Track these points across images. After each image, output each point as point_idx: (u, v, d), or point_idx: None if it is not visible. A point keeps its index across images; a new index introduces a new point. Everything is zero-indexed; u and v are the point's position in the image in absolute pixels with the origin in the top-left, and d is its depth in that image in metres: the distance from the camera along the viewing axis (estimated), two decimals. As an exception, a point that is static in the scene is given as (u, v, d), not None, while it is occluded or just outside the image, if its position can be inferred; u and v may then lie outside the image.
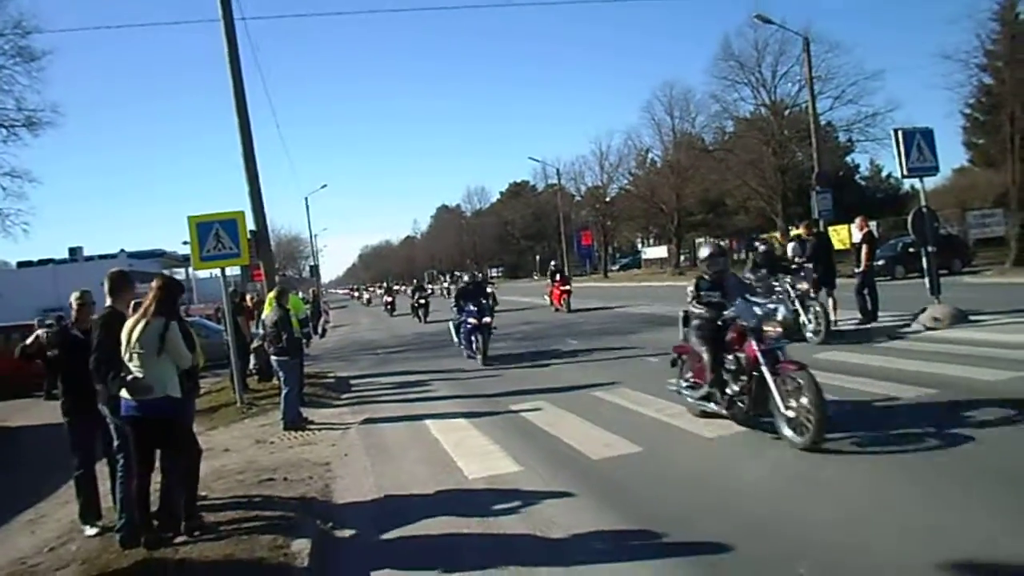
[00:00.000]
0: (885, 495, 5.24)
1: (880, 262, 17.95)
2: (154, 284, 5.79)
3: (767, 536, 4.70)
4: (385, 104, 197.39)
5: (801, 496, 5.42)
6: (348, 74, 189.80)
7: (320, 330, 26.69)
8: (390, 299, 42.38)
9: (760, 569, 4.27)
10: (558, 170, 67.67)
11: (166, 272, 6.48)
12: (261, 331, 12.45)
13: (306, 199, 65.15)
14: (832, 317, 13.82)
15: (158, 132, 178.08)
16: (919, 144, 13.70)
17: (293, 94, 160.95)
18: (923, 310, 13.28)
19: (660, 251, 65.75)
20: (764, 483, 5.79)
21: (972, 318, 12.80)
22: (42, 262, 62.20)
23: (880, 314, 13.96)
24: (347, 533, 5.78)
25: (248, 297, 16.62)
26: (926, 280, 13.77)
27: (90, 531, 6.27)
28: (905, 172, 14.00)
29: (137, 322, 5.60)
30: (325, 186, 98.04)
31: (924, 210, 13.81)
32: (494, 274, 58.45)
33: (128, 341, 5.55)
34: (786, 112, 45.50)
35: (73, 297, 6.71)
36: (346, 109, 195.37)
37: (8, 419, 14.12)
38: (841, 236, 29.44)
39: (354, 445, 8.90)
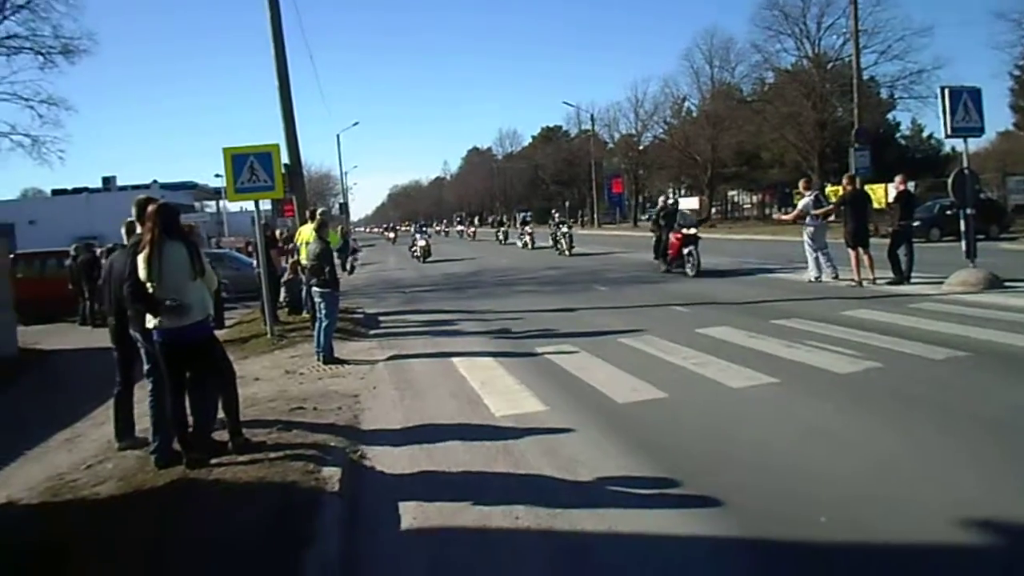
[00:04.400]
0: (907, 452, 5.26)
1: (916, 223, 17.66)
2: (149, 210, 5.73)
3: (788, 488, 4.74)
4: (420, 43, 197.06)
5: (823, 449, 5.43)
6: (383, 11, 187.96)
7: (349, 267, 26.84)
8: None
9: (781, 519, 4.29)
10: (592, 116, 67.04)
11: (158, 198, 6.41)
12: (296, 259, 12.61)
13: (338, 136, 65.23)
14: (869, 275, 13.77)
15: (193, 65, 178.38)
16: (966, 103, 13.37)
17: (329, 29, 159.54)
18: (956, 273, 13.13)
19: (692, 202, 64.96)
20: (787, 435, 5.80)
21: (1007, 284, 12.60)
22: (76, 190, 62.90)
23: (913, 275, 13.83)
24: (375, 463, 5.89)
25: (278, 232, 16.73)
26: (962, 243, 13.57)
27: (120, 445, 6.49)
28: (949, 131, 13.68)
29: (152, 251, 5.53)
30: (357, 123, 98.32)
31: (966, 172, 13.55)
32: (519, 217, 55.68)
33: (151, 271, 5.52)
34: (829, 65, 44.53)
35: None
36: (381, 47, 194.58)
37: (41, 342, 14.42)
38: (878, 195, 29.00)
39: (382, 379, 9.01)
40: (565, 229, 30.10)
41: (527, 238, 37.11)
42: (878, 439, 5.56)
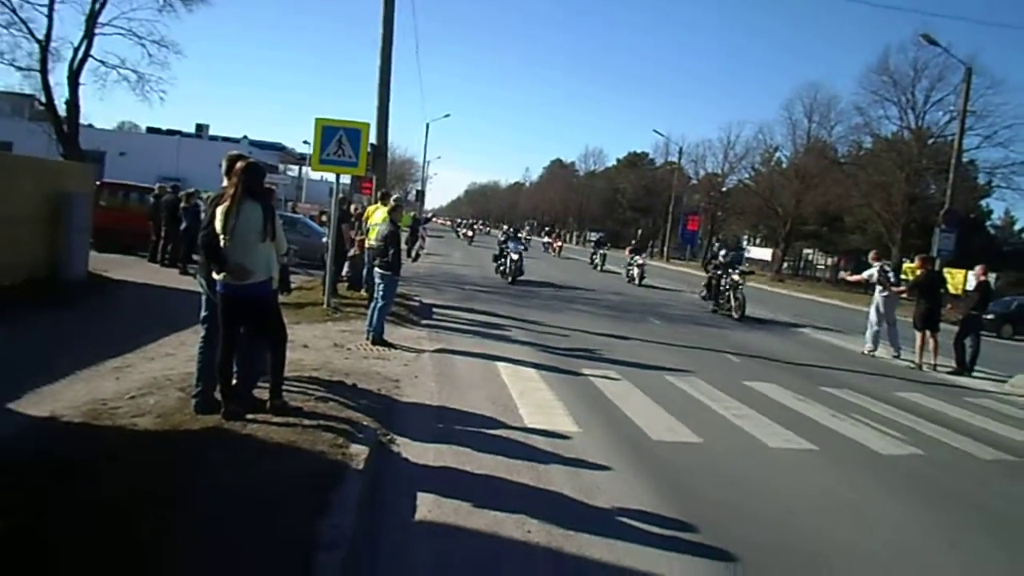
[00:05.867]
0: (934, 546, 5.16)
1: (990, 316, 17.16)
2: (237, 167, 5.85)
3: (806, 558, 4.69)
4: (523, 49, 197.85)
5: (848, 526, 5.34)
6: (494, 15, 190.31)
7: (414, 254, 27.10)
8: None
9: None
10: (680, 149, 66.63)
11: (247, 156, 6.52)
12: (363, 237, 12.79)
13: (427, 124, 65.46)
14: (931, 360, 13.46)
15: (299, 29, 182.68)
16: (1064, 204, 13.02)
17: (437, 19, 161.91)
18: (1022, 375, 12.77)
19: (764, 253, 64.29)
20: (814, 505, 5.72)
21: (1074, 395, 12.15)
22: (170, 132, 64.63)
23: (976, 369, 13.47)
24: (402, 450, 5.98)
25: (353, 206, 17.03)
26: (1034, 345, 13.19)
27: None
28: (1041, 229, 13.32)
29: (232, 207, 5.69)
30: (448, 116, 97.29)
31: (1050, 273, 13.19)
32: (593, 237, 52.07)
33: (227, 225, 5.68)
34: (929, 140, 43.64)
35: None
36: (486, 46, 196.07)
37: (111, 271, 14.88)
38: (956, 279, 28.27)
39: (425, 369, 9.13)
40: (737, 278, 19.29)
41: (636, 269, 28.71)
42: (907, 527, 5.45)
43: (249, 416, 5.84)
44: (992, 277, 14.77)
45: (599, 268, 36.40)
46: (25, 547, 3.53)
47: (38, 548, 3.55)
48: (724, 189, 64.97)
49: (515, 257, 23.85)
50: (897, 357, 14.01)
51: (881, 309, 14.49)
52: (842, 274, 26.44)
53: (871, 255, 16.08)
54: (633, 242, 31.83)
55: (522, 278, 24.05)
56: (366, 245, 13.18)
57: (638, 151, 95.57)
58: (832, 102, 52.49)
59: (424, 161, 75.48)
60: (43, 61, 27.05)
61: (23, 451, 4.89)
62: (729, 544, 4.66)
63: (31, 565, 3.43)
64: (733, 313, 18.72)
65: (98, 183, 19.32)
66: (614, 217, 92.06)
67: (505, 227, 26.87)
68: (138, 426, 5.56)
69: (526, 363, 10.07)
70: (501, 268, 25.12)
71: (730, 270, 19.86)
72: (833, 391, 10.31)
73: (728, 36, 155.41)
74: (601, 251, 38.23)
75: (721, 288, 20.11)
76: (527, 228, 66.43)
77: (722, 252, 21.61)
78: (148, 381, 7.03)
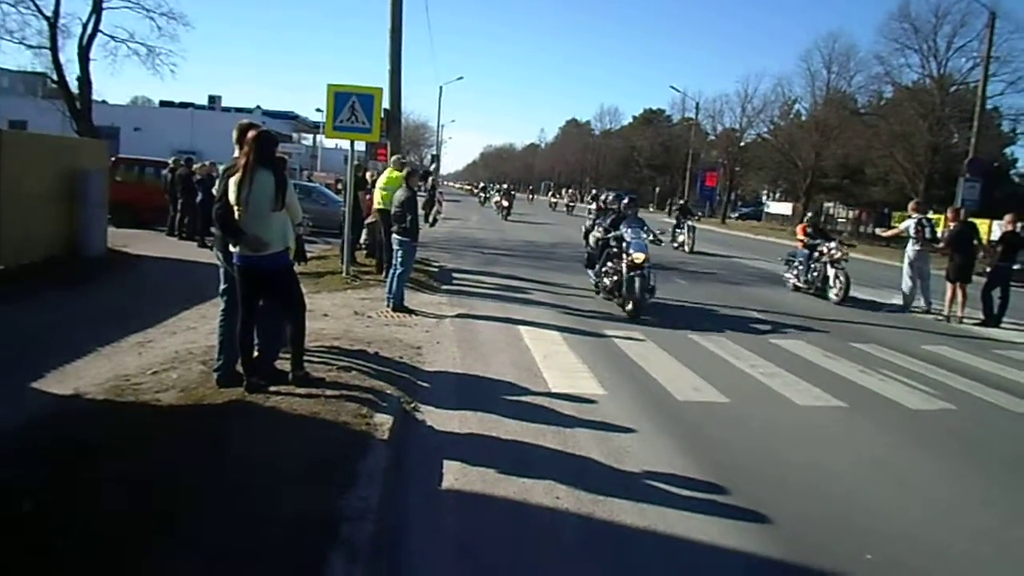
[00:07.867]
0: (968, 502, 5.06)
1: (1017, 266, 16.87)
2: (248, 136, 5.73)
3: (839, 517, 4.60)
4: (534, 9, 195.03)
5: (881, 484, 5.24)
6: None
7: (431, 219, 26.96)
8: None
9: (826, 548, 4.16)
10: (697, 104, 65.57)
11: (258, 124, 6.40)
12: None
13: (440, 88, 65.47)
14: (958, 313, 13.21)
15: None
16: (1094, 149, 12.69)
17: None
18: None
19: (784, 207, 63.54)
20: (846, 463, 5.61)
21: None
22: (182, 104, 64.58)
23: (1005, 320, 13.21)
24: (427, 418, 5.92)
25: (368, 173, 16.91)
26: (1066, 296, 12.89)
27: None
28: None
29: (245, 177, 5.59)
30: (462, 78, 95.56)
31: (1081, 221, 12.86)
32: (610, 198, 48.77)
33: (240, 195, 5.59)
34: (952, 88, 42.57)
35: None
36: (495, 8, 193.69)
37: (129, 246, 14.89)
38: (982, 230, 27.87)
39: (447, 335, 9.06)
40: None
41: (807, 269, 15.65)
42: (940, 484, 5.35)
43: (272, 388, 5.81)
44: (1019, 226, 14.28)
45: (689, 249, 24.98)
46: (52, 525, 3.50)
47: (65, 525, 3.51)
48: (742, 144, 63.98)
49: (638, 259, 11.21)
50: (927, 312, 13.77)
51: (914, 263, 14.09)
52: (878, 231, 25.34)
53: (911, 205, 15.55)
54: (681, 202, 28.97)
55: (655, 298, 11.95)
56: (373, 207, 13.14)
57: (654, 108, 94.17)
58: (851, 51, 51.26)
59: (438, 125, 75.19)
60: (52, 38, 26.91)
61: (48, 429, 4.87)
62: (762, 506, 4.59)
63: (58, 542, 3.39)
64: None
65: (113, 159, 19.33)
66: (630, 176, 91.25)
67: (603, 194, 16.52)
68: (161, 401, 5.54)
69: (549, 326, 9.99)
70: (609, 278, 12.30)
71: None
72: (861, 346, 10.15)
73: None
74: (688, 223, 26.14)
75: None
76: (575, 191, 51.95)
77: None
78: (170, 355, 7.03)
